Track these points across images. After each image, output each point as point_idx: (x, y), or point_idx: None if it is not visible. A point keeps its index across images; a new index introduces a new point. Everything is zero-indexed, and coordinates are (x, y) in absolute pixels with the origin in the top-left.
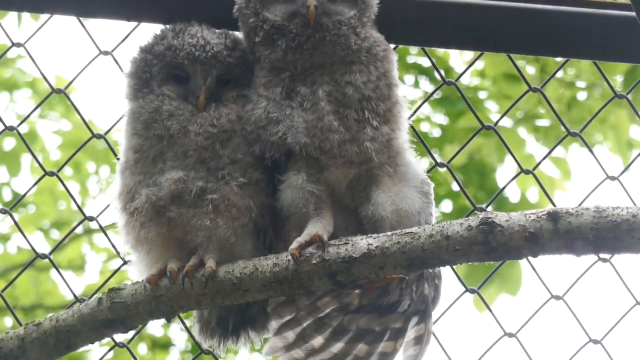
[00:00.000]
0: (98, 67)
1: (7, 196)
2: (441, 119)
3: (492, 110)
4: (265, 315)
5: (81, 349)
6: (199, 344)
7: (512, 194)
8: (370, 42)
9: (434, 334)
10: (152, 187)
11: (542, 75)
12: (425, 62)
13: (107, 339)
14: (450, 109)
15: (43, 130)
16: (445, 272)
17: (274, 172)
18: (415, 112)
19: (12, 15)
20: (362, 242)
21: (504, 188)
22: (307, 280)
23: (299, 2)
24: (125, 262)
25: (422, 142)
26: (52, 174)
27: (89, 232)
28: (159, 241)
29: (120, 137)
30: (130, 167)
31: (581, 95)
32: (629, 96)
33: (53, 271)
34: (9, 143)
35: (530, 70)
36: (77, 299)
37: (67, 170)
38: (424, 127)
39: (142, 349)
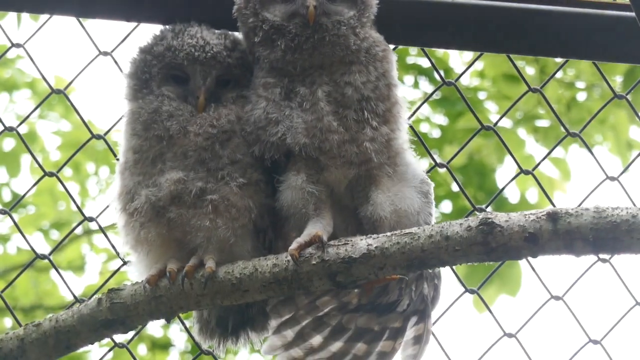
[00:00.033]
0: (97, 67)
1: (7, 197)
2: (441, 119)
3: (492, 110)
4: (265, 316)
5: (81, 350)
6: (198, 345)
7: (512, 195)
8: (370, 42)
9: (433, 334)
10: (151, 188)
11: (541, 75)
12: (424, 63)
13: (106, 340)
14: (450, 109)
15: (43, 131)
16: (445, 272)
17: (273, 173)
18: (414, 112)
19: (12, 15)
20: (362, 243)
21: (503, 188)
22: (306, 280)
23: (298, 3)
24: (124, 263)
25: (421, 143)
26: (51, 174)
27: (88, 232)
28: (158, 242)
29: (119, 137)
30: (130, 167)
31: (581, 96)
32: (629, 97)
33: (53, 272)
34: (9, 143)
35: (529, 70)
36: (77, 300)
37: (67, 171)
38: (424, 127)
39: (141, 349)
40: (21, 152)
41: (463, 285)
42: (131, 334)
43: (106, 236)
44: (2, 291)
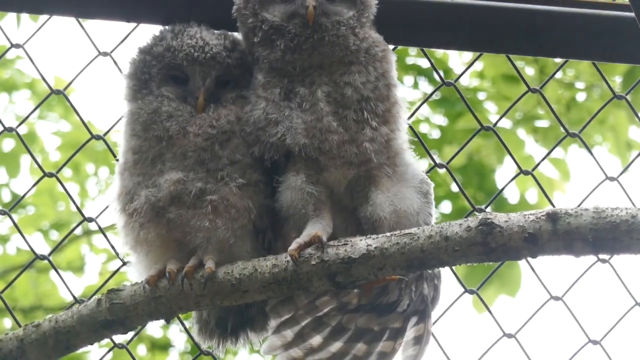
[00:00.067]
0: (97, 68)
1: (7, 197)
2: (440, 120)
3: (491, 111)
4: (265, 316)
5: (80, 350)
6: (198, 345)
7: (511, 195)
8: (369, 42)
9: (433, 335)
10: (151, 188)
11: (541, 76)
12: (424, 63)
13: (106, 340)
14: (450, 110)
15: (42, 132)
16: (445, 273)
17: (273, 174)
18: (414, 113)
19: (11, 16)
20: (361, 243)
21: (503, 189)
22: (306, 281)
23: (298, 3)
24: (124, 263)
25: (421, 143)
26: (51, 175)
27: (88, 233)
28: (158, 242)
29: (119, 138)
30: (130, 168)
31: (580, 96)
32: (628, 97)
33: (52, 272)
34: (8, 144)
35: (529, 71)
36: (77, 300)
37: (67, 172)
38: (423, 128)
39: (141, 350)
40: (21, 152)
41: (463, 285)
42: (131, 334)
43: (106, 237)
44: (2, 292)
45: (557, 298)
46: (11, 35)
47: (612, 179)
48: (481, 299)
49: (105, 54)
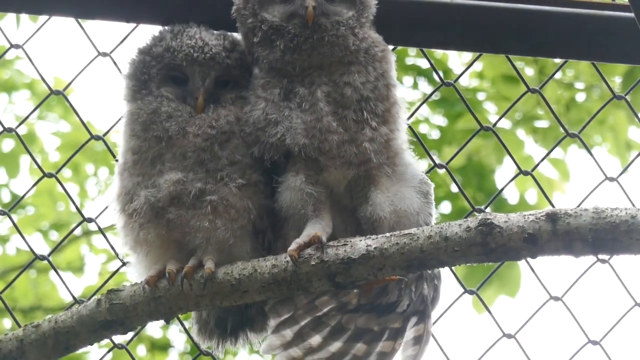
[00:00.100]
0: (97, 68)
1: (6, 198)
2: (440, 120)
3: (491, 111)
4: (264, 316)
5: (80, 351)
6: (197, 345)
7: (511, 196)
8: (369, 42)
9: (432, 335)
10: (150, 189)
11: (540, 76)
12: (424, 64)
13: (106, 341)
14: (449, 110)
15: (42, 132)
16: (444, 273)
17: (273, 174)
18: (413, 113)
19: (11, 16)
20: (361, 244)
21: (502, 189)
22: (306, 281)
23: (297, 3)
24: (124, 264)
25: (421, 144)
26: (50, 175)
27: (87, 233)
28: (157, 242)
29: (118, 138)
30: (129, 168)
31: (580, 97)
32: (628, 97)
33: (52, 273)
34: (8, 144)
35: (529, 71)
36: (76, 301)
37: (66, 172)
38: (423, 128)
39: (141, 350)
40: (20, 153)
41: (462, 286)
42: (130, 334)
43: (105, 237)
44: (2, 292)
45: (556, 298)
46: (11, 35)
47: (611, 179)
48: (481, 300)
49: (104, 54)
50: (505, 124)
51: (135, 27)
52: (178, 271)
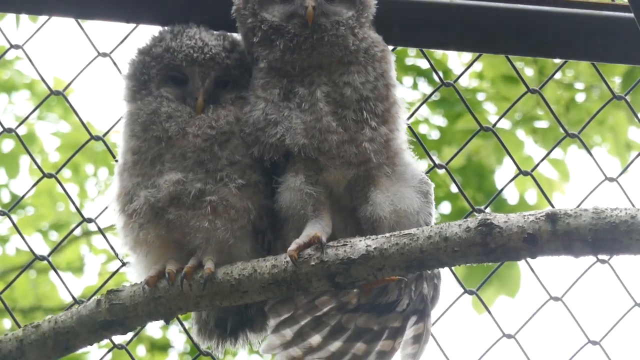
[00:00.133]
0: (96, 69)
1: (6, 198)
2: (439, 120)
3: (491, 111)
4: (264, 317)
5: (80, 351)
6: (197, 346)
7: (511, 196)
8: (368, 42)
9: (432, 335)
10: (150, 189)
11: (540, 76)
12: (423, 64)
13: (105, 341)
14: (449, 110)
15: (42, 132)
16: (444, 273)
17: (272, 174)
18: (413, 113)
19: (11, 16)
20: (361, 244)
21: (502, 189)
22: (305, 281)
23: (297, 3)
24: (123, 264)
25: (420, 144)
26: (50, 175)
27: (87, 234)
28: (157, 243)
29: (118, 139)
30: (129, 168)
31: (579, 97)
32: (628, 97)
33: (52, 273)
34: (8, 145)
35: (528, 71)
36: (76, 301)
37: (66, 172)
38: (423, 129)
39: (140, 350)
40: (20, 153)
41: (462, 286)
42: (130, 335)
43: (105, 237)
44: (2, 292)
45: (556, 299)
46: (10, 35)
47: (611, 179)
48: (481, 300)
49: (104, 54)
50: (505, 124)
51: (135, 27)
52: (178, 271)
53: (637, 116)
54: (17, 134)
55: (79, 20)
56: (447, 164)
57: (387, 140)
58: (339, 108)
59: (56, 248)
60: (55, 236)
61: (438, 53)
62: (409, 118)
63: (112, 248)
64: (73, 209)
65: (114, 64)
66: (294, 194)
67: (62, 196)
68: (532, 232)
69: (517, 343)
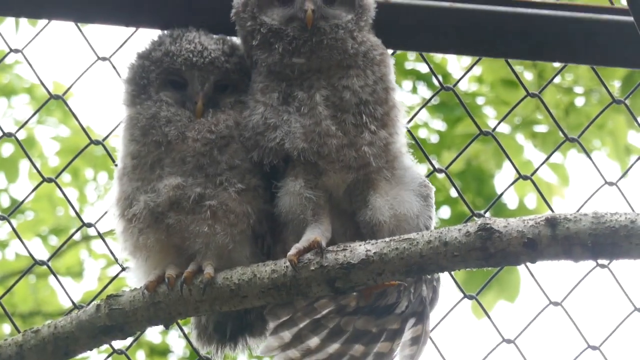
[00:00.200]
0: (96, 73)
1: (5, 202)
2: (439, 125)
3: (490, 116)
4: (263, 321)
5: (79, 356)
6: (196, 351)
7: (510, 200)
8: (367, 46)
9: (432, 340)
10: (150, 194)
11: (539, 81)
12: (423, 68)
13: (105, 346)
14: (448, 114)
15: (41, 136)
16: (444, 278)
17: (272, 178)
18: (413, 117)
19: (10, 20)
20: (361, 249)
21: (502, 194)
22: (305, 286)
23: (297, 6)
24: (123, 269)
25: (420, 148)
26: (50, 180)
27: (87, 238)
28: (157, 247)
29: (118, 143)
30: (128, 173)
31: (579, 101)
32: (627, 102)
33: (51, 278)
34: (7, 149)
35: (528, 76)
36: (76, 306)
37: (66, 177)
38: (422, 133)
39: (140, 355)
40: (20, 157)
41: (462, 291)
42: (130, 340)
43: (105, 242)
44: (1, 297)
45: (556, 303)
46: (10, 39)
47: (611, 183)
48: (480, 305)
49: (104, 58)
50: (504, 128)
51: (135, 31)
52: (177, 276)
53: (636, 120)
54: (16, 138)
55: (79, 24)
56: (446, 168)
57: (386, 144)
58: (338, 112)
59: (56, 253)
60: (54, 241)
61: (437, 57)
62: (408, 122)
63: (111, 253)
64: (73, 214)
65: (114, 68)
66: (294, 199)
67: (61, 201)
68: (532, 237)
69: (516, 348)
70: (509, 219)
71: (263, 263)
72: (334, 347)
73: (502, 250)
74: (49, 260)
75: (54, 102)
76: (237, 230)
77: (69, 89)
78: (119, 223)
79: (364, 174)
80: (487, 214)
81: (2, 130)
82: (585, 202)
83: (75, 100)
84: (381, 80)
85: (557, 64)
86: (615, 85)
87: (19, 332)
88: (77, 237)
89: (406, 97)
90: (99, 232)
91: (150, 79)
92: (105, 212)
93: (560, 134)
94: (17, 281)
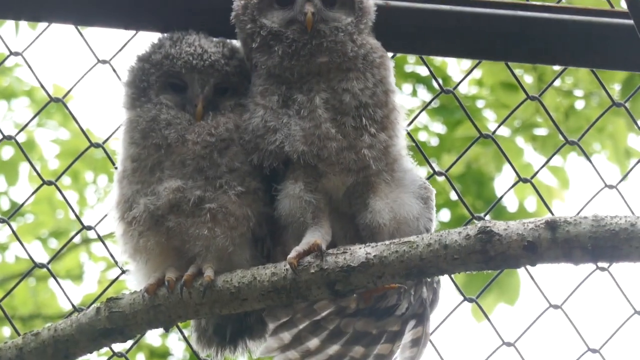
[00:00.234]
0: (96, 75)
1: (5, 205)
2: (439, 128)
3: (490, 119)
4: (263, 324)
5: (79, 359)
6: (196, 353)
7: (510, 203)
8: (367, 48)
9: (432, 343)
10: (150, 197)
11: (539, 84)
12: (423, 71)
13: (105, 349)
14: (448, 117)
15: (41, 139)
16: (444, 281)
17: (272, 181)
18: (413, 121)
19: (10, 23)
20: (361, 251)
21: (502, 197)
22: (305, 289)
23: (296, 9)
24: (123, 272)
25: (420, 151)
26: (50, 183)
27: (87, 241)
28: (157, 250)
29: (118, 146)
30: (128, 176)
31: (579, 104)
32: (627, 104)
33: (51, 281)
34: (7, 152)
35: (528, 79)
36: (76, 309)
37: (65, 180)
38: (422, 136)
39: (140, 358)
40: (19, 160)
41: (462, 294)
42: (130, 343)
43: (105, 245)
44: (1, 300)
45: (556, 306)
46: (10, 42)
47: (611, 186)
48: (480, 308)
49: (104, 61)
50: (504, 131)
51: (135, 34)
52: (177, 279)
53: (636, 123)
54: (16, 141)
55: (79, 27)
56: (446, 171)
57: (386, 146)
58: (338, 115)
59: (56, 256)
60: (54, 244)
61: (437, 60)
62: (408, 125)
63: (111, 256)
64: (72, 217)
65: (114, 71)
66: (294, 201)
67: (61, 203)
68: (532, 240)
69: (516, 351)
70: (509, 222)
71: (263, 266)
72: (333, 349)
73: (502, 253)
74: (49, 263)
75: (54, 104)
76: (237, 233)
77: (69, 91)
78: (119, 226)
79: (364, 176)
80: (487, 217)
81: (2, 133)
82: (585, 205)
83: (75, 103)
84: (381, 83)
85: (557, 67)
86: (615, 88)
87: (19, 334)
88: (77, 239)
89: (406, 100)
90: (98, 235)
91: (150, 82)
92: (105, 215)
93: (560, 137)
94: (17, 284)
